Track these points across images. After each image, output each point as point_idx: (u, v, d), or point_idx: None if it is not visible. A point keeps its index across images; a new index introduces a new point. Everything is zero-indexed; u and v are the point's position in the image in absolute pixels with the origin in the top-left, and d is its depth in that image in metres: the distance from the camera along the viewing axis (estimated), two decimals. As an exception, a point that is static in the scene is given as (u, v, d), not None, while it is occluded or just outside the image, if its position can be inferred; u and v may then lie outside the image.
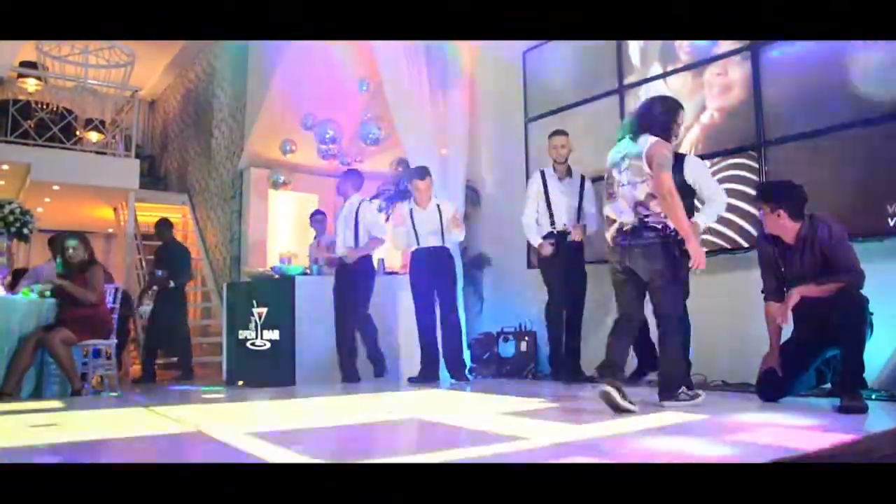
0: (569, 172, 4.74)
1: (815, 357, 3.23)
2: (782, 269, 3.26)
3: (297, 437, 2.63)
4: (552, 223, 4.66)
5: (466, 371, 5.09)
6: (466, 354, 5.27)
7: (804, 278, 3.14)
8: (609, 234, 3.30)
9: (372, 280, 5.20)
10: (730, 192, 4.20)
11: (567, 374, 4.59)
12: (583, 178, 4.77)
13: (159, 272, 6.59)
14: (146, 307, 6.70)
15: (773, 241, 3.26)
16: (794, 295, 3.10)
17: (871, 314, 3.02)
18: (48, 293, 4.83)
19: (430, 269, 4.96)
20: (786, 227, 3.15)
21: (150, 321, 6.71)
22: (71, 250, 4.76)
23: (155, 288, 6.80)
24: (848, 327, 2.95)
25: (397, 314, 5.47)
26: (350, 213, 5.22)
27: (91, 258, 4.86)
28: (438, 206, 5.04)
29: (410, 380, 4.94)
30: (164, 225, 7.02)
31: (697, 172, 3.69)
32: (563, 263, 4.62)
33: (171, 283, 6.59)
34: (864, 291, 3.03)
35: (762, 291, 3.36)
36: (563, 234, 4.64)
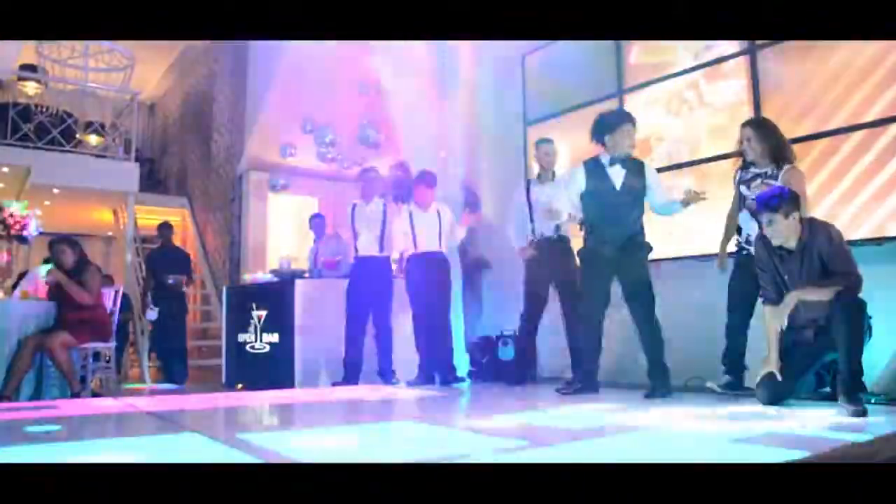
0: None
1: (815, 361, 3.23)
2: (784, 276, 3.25)
3: (296, 438, 2.63)
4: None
5: (459, 374, 5.07)
6: (466, 358, 5.24)
7: (803, 283, 3.14)
8: None
9: None
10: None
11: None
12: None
13: (171, 279, 6.57)
14: (154, 311, 6.66)
15: (771, 246, 3.26)
16: (792, 298, 3.10)
17: (870, 318, 3.02)
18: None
19: (428, 274, 4.93)
20: (795, 229, 3.15)
21: (161, 324, 6.70)
22: (59, 254, 4.76)
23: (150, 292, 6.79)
24: (846, 331, 2.94)
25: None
26: (376, 214, 5.15)
27: (84, 261, 4.85)
28: (439, 210, 5.03)
29: (408, 383, 4.94)
30: (167, 228, 7.03)
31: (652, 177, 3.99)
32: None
33: (184, 288, 6.65)
34: (863, 295, 3.03)
35: (760, 296, 3.35)
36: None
